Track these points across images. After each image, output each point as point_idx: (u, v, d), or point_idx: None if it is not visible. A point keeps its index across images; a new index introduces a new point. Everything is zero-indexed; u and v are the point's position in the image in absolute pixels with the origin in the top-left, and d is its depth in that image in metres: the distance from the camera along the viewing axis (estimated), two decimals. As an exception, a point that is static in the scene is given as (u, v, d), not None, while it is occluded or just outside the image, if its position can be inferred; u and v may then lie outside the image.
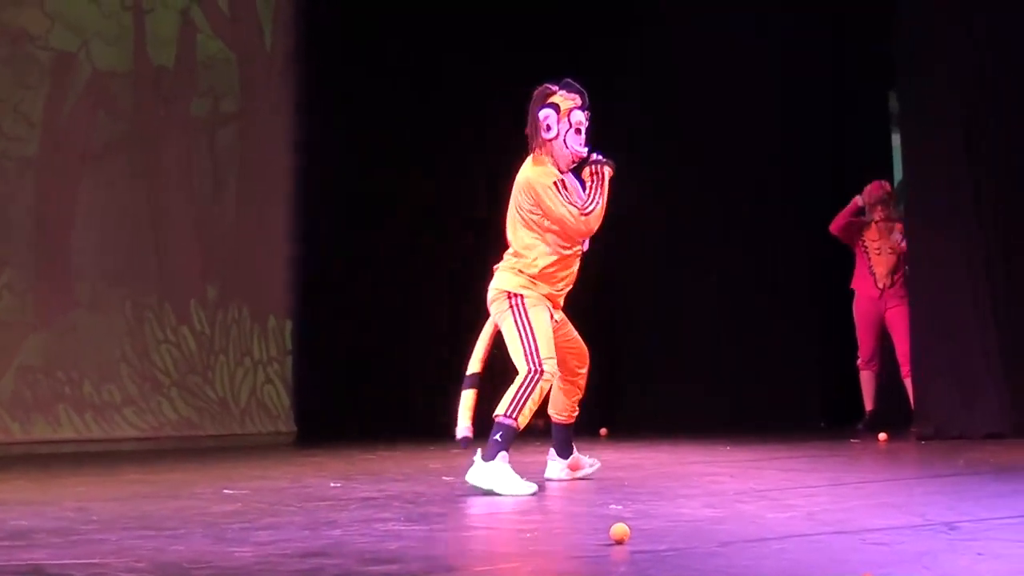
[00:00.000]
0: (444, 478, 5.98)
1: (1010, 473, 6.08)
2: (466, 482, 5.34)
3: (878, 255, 8.76)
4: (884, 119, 9.84)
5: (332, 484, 5.76)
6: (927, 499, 5.13)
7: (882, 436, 7.96)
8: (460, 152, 9.38)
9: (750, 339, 9.48)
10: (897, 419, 8.50)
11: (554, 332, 5.61)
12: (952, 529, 4.20)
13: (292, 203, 9.16)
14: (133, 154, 8.69)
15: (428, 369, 9.26)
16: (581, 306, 9.68)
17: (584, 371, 5.88)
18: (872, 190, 8.77)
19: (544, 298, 5.59)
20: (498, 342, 5.68)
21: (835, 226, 8.83)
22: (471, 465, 5.37)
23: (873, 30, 9.11)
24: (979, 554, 3.75)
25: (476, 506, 4.98)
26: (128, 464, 6.98)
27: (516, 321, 5.51)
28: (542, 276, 5.58)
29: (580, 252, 5.71)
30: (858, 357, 8.83)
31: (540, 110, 5.57)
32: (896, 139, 9.35)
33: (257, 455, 7.68)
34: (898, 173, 9.31)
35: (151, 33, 8.75)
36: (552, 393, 5.77)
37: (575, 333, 5.83)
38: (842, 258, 9.05)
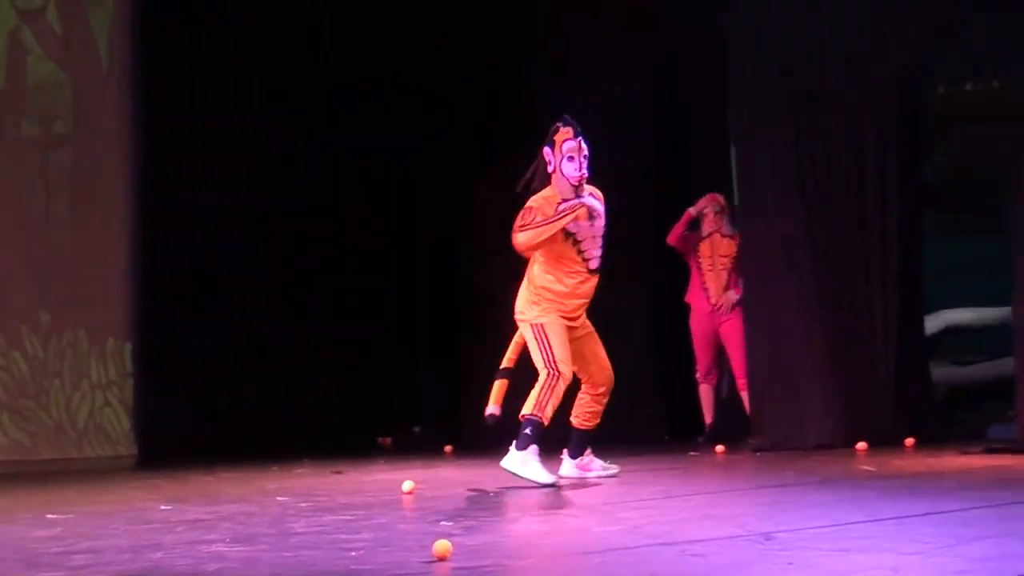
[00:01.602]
0: (279, 498, 5.93)
1: (834, 483, 6.24)
2: (500, 467, 6.18)
3: (711, 271, 8.94)
4: (723, 134, 10.01)
5: (163, 506, 5.68)
6: (751, 510, 5.23)
7: (719, 448, 8.11)
8: (304, 167, 9.34)
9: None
10: (737, 431, 8.67)
11: (573, 341, 6.35)
12: (768, 539, 4.29)
13: (130, 224, 9.01)
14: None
15: (271, 388, 9.21)
16: (435, 318, 9.90)
17: (603, 390, 6.52)
18: (704, 201, 8.94)
19: (558, 315, 6.33)
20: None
21: (671, 238, 9.00)
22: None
23: (711, 43, 9.26)
24: (789, 563, 3.83)
25: (304, 526, 4.95)
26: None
27: (536, 337, 6.35)
28: (550, 298, 6.33)
29: (588, 276, 6.37)
30: (696, 371, 8.99)
31: (543, 149, 6.38)
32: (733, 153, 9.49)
33: (92, 479, 7.53)
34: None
35: (-22, 56, 8.52)
36: (576, 400, 6.53)
37: (601, 351, 6.51)
38: (682, 272, 9.22)
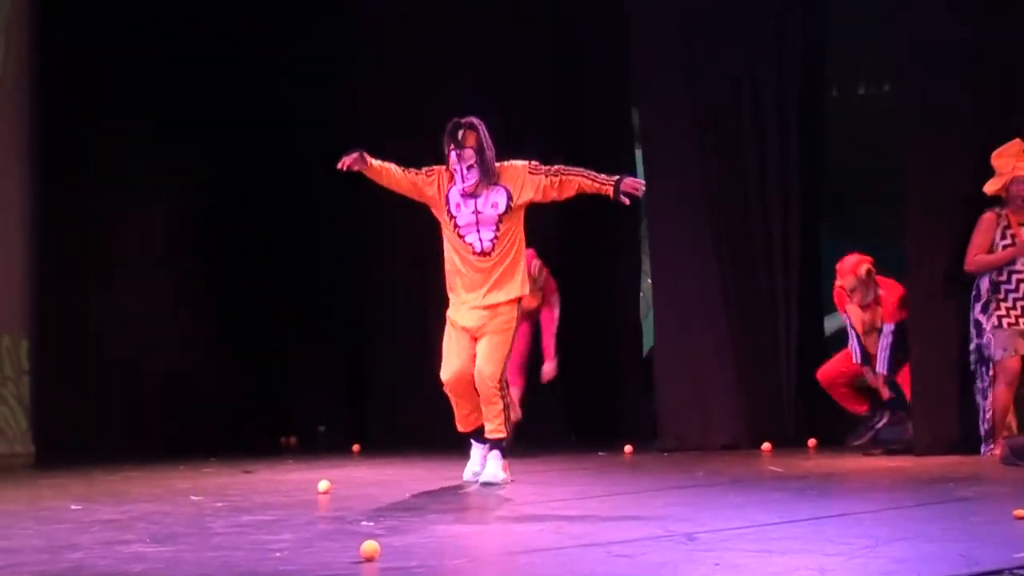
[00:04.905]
0: (192, 497, 5.86)
1: (745, 484, 6.34)
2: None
3: None
4: (628, 135, 10.08)
5: (73, 506, 5.57)
6: (668, 510, 5.29)
7: (627, 449, 8.19)
8: (204, 164, 9.24)
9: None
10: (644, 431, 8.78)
11: (466, 341, 6.32)
12: (691, 540, 4.35)
13: (27, 224, 8.85)
14: None
15: (172, 386, 9.09)
16: (340, 317, 9.83)
17: (480, 394, 6.28)
18: None
19: (456, 307, 6.33)
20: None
21: None
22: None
23: (616, 42, 9.33)
24: (716, 564, 3.89)
25: (223, 526, 4.90)
26: None
27: None
28: (450, 285, 6.37)
29: (478, 256, 6.23)
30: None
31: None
32: (639, 155, 9.57)
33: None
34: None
35: None
36: None
37: (482, 355, 6.26)
38: (584, 266, 9.22)
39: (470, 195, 6.19)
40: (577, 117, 9.81)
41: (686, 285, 8.47)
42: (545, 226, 9.32)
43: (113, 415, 8.91)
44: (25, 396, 8.84)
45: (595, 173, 6.16)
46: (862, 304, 8.02)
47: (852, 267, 8.01)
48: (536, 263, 8.11)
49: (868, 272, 7.98)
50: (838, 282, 8.08)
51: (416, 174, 6.28)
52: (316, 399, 9.92)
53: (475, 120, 6.19)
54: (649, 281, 9.75)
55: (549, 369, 8.45)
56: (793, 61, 8.68)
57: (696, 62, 8.59)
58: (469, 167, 6.14)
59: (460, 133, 6.14)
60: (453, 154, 6.15)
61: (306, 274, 9.79)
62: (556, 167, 6.24)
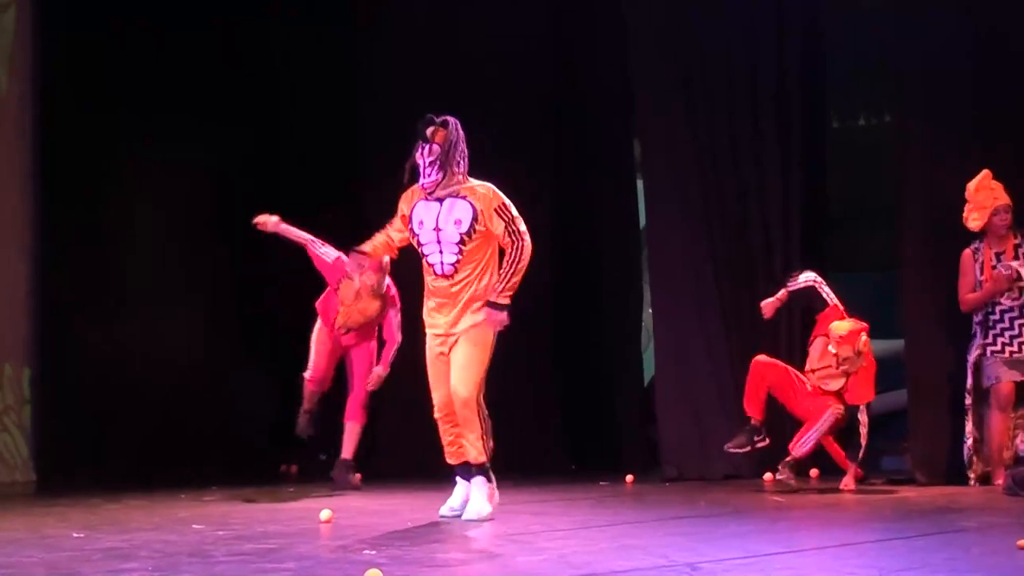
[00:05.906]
0: (194, 526, 5.85)
1: (746, 513, 6.34)
2: None
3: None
4: (630, 166, 10.11)
5: (75, 534, 5.57)
6: (670, 540, 5.29)
7: (629, 478, 8.19)
8: (199, 187, 9.26)
9: (498, 382, 9.54)
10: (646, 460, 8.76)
11: (444, 365, 6.13)
12: (694, 570, 4.35)
13: (29, 248, 8.86)
14: None
15: (177, 411, 9.09)
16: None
17: (457, 417, 6.12)
18: None
19: (429, 334, 6.16)
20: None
21: None
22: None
23: (618, 73, 9.37)
24: (719, 593, 3.89)
25: (225, 555, 4.89)
26: None
27: None
28: (425, 302, 6.19)
29: (437, 277, 6.05)
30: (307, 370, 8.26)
31: None
32: (641, 185, 9.59)
33: (-7, 505, 7.33)
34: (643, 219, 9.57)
35: None
36: None
37: (455, 372, 6.04)
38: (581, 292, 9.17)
39: (431, 195, 6.00)
40: (579, 148, 9.85)
41: (687, 315, 8.49)
42: (546, 254, 9.42)
43: (114, 443, 8.90)
44: (27, 424, 8.85)
45: (508, 275, 5.95)
46: (844, 372, 7.34)
47: (852, 336, 7.25)
48: (373, 274, 7.75)
49: (866, 343, 7.34)
50: (831, 348, 7.32)
51: (392, 228, 6.22)
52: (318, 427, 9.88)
53: (449, 118, 6.02)
54: (650, 311, 9.77)
55: (379, 372, 8.05)
56: (793, 93, 8.71)
57: (696, 95, 8.63)
58: (431, 163, 5.96)
59: (430, 129, 5.97)
60: (419, 151, 5.98)
61: (308, 297, 9.77)
62: (515, 228, 5.98)
